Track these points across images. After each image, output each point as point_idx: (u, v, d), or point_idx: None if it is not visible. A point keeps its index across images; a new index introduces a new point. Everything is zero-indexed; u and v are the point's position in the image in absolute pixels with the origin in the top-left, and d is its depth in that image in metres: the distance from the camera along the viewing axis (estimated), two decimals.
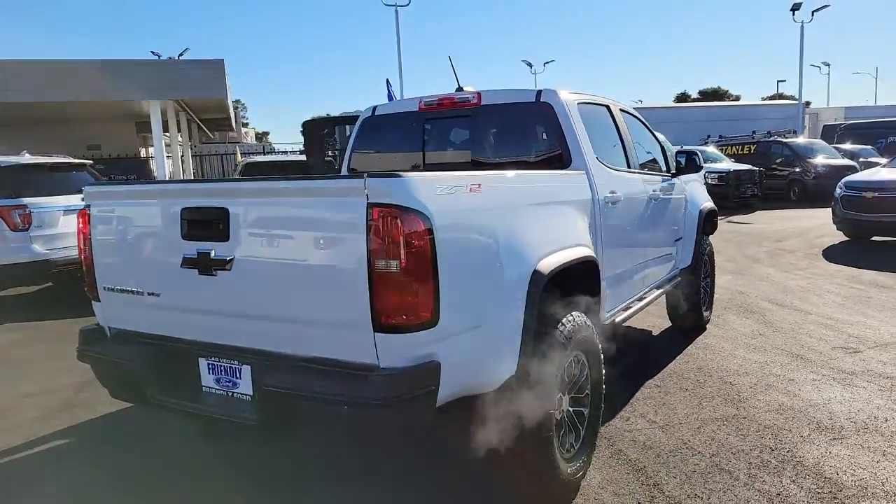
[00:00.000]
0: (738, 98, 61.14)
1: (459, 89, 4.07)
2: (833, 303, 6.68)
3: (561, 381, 2.85)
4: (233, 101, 23.20)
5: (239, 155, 17.47)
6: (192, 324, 2.66)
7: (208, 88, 15.14)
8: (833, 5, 30.17)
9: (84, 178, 8.80)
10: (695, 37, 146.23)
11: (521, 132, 3.96)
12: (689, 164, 5.17)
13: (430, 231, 2.19)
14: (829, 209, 11.10)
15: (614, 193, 3.74)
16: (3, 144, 13.44)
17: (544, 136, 3.78)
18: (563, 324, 2.84)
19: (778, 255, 9.83)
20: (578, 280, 3.15)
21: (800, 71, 31.25)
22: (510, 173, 2.99)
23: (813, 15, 30.38)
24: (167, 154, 19.14)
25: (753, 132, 21.53)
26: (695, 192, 5.58)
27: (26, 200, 7.73)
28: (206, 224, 2.49)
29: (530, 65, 42.21)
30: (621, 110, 4.49)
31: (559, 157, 3.59)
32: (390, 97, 7.31)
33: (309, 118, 5.75)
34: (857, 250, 9.97)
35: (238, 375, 2.57)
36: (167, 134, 17.97)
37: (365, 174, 2.15)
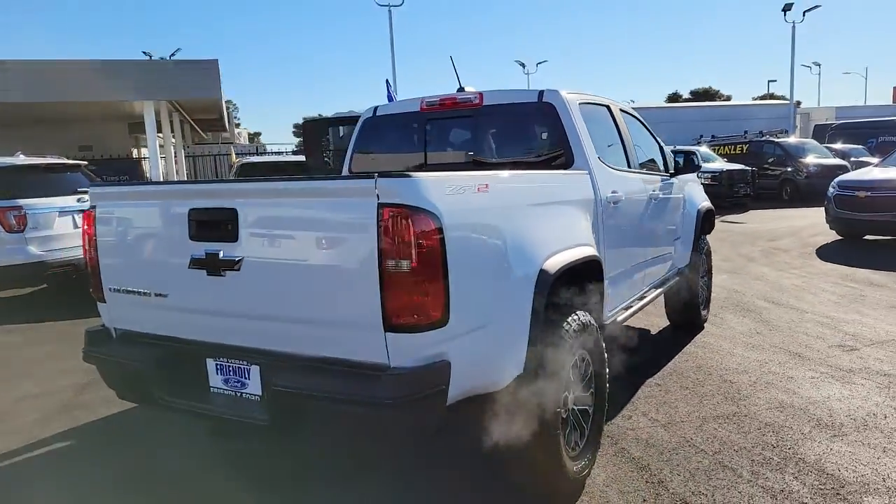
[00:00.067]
0: (729, 98, 61.43)
1: (461, 89, 4.08)
2: (828, 301, 6.73)
3: (567, 379, 2.86)
4: (225, 102, 23.10)
5: (234, 155, 17.40)
6: (200, 324, 2.66)
7: (203, 89, 15.10)
8: (823, 5, 30.37)
9: (79, 179, 8.76)
10: (685, 37, 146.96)
11: (524, 132, 3.97)
12: (687, 163, 5.21)
13: (441, 231, 2.20)
14: (821, 208, 11.18)
15: (616, 193, 3.76)
16: None
17: (547, 137, 3.80)
18: (568, 323, 2.86)
19: (772, 254, 9.89)
20: (582, 280, 3.17)
21: (791, 71, 31.44)
22: (517, 173, 3.01)
23: (804, 15, 30.62)
24: (161, 155, 19.04)
25: (745, 132, 21.66)
26: (693, 191, 5.62)
27: (21, 201, 7.68)
28: (215, 225, 2.49)
29: (523, 65, 42.41)
30: (621, 110, 4.51)
31: (561, 158, 3.61)
32: (390, 98, 7.32)
33: (309, 119, 5.74)
34: (849, 249, 10.05)
35: (247, 376, 2.57)
36: (160, 134, 17.86)
37: (376, 174, 2.16)
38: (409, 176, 2.19)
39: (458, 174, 2.53)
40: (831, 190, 10.68)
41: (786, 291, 7.27)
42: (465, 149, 4.07)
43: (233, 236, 2.45)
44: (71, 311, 7.52)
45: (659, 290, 4.82)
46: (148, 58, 28.09)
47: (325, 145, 6.40)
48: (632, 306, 4.21)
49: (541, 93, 3.70)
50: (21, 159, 8.46)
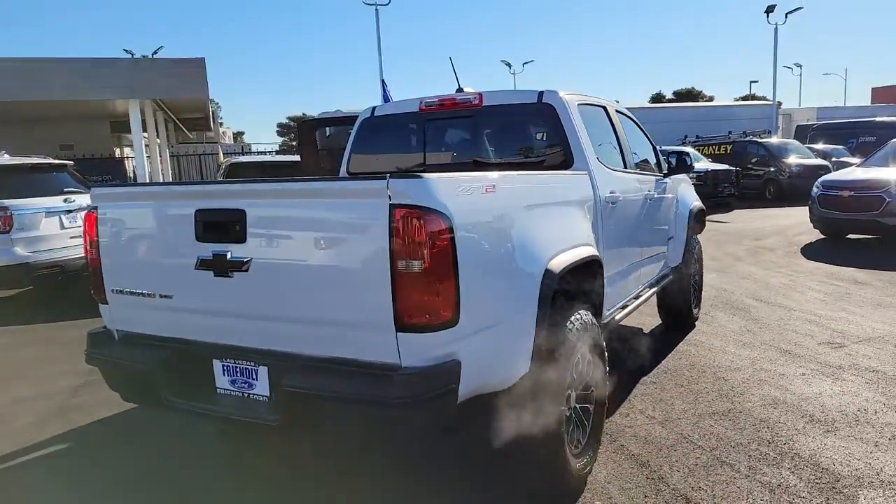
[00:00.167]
0: (711, 98, 62.02)
1: (460, 90, 4.10)
2: (815, 299, 6.85)
3: (570, 378, 2.90)
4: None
5: (221, 155, 17.26)
6: (206, 325, 2.66)
7: (189, 88, 14.96)
8: (804, 7, 30.77)
9: (65, 179, 8.67)
10: (668, 38, 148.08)
11: (523, 133, 4.01)
12: (679, 164, 5.27)
13: (451, 231, 2.22)
14: (804, 207, 11.35)
15: (614, 193, 3.80)
16: None
17: (546, 137, 3.83)
18: (571, 322, 2.89)
19: (758, 253, 10.03)
20: (583, 279, 3.21)
21: (774, 72, 31.87)
22: (522, 174, 3.04)
23: (786, 17, 31.01)
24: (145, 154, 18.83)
25: (729, 132, 21.89)
26: (685, 191, 5.69)
27: (7, 202, 7.58)
28: (223, 226, 2.49)
29: (509, 65, 42.49)
30: (616, 111, 4.56)
31: (561, 158, 3.65)
32: (386, 98, 7.32)
33: (306, 119, 5.72)
34: (833, 248, 10.21)
35: (254, 377, 2.57)
36: (145, 134, 17.70)
37: (388, 175, 2.17)
38: (420, 176, 2.21)
39: (468, 175, 2.55)
40: (815, 190, 10.84)
41: (773, 290, 7.37)
42: (464, 149, 4.10)
43: (241, 237, 2.45)
44: (58, 314, 7.45)
45: (653, 290, 4.88)
46: (130, 56, 27.74)
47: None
48: (628, 305, 4.26)
49: (540, 94, 3.73)
50: (6, 159, 8.35)
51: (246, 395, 2.60)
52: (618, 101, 5.24)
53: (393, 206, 2.16)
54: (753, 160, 19.75)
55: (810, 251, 10.06)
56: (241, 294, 2.50)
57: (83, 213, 8.02)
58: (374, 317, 2.24)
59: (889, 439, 3.50)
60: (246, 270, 2.46)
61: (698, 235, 6.11)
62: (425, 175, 2.23)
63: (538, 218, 2.87)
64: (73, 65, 14.30)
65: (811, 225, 11.13)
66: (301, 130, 5.62)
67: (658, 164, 5.14)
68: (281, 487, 3.25)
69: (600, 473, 3.26)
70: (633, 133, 4.78)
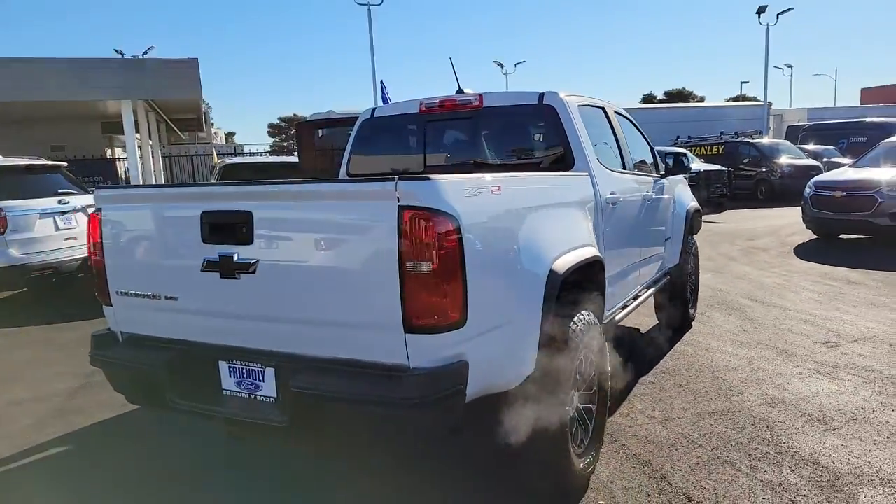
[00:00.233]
0: (702, 99, 62.37)
1: (460, 91, 4.12)
2: (809, 299, 6.90)
3: (574, 378, 2.92)
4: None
5: (215, 156, 17.19)
6: (212, 327, 2.66)
7: (183, 88, 14.90)
8: (795, 8, 30.96)
9: (59, 180, 8.64)
10: (658, 39, 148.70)
11: (524, 134, 4.02)
12: (676, 164, 5.30)
13: (459, 232, 2.24)
14: (796, 208, 11.43)
15: (614, 194, 3.82)
16: None
17: (547, 139, 3.84)
18: (575, 322, 2.91)
19: (752, 254, 10.09)
20: (586, 280, 3.22)
21: (765, 73, 32.08)
22: (526, 175, 3.06)
23: (778, 17, 31.19)
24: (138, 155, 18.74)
25: (721, 133, 22.02)
26: (681, 192, 5.73)
27: (1, 203, 7.55)
28: (229, 227, 2.49)
29: (501, 65, 42.55)
30: (615, 112, 4.59)
31: (562, 159, 3.67)
32: (385, 99, 7.31)
33: (305, 120, 5.72)
34: (826, 248, 10.29)
35: (261, 378, 2.57)
36: (137, 135, 17.59)
37: (396, 177, 2.18)
38: (429, 178, 2.22)
39: (475, 176, 2.56)
40: (808, 190, 10.92)
41: (768, 290, 7.43)
42: (465, 151, 4.10)
43: (248, 239, 2.46)
44: (53, 316, 7.42)
45: (651, 290, 4.91)
46: (120, 56, 27.56)
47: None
48: (627, 306, 4.28)
49: (541, 95, 3.74)
50: (0, 160, 8.30)
51: (252, 396, 2.61)
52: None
53: (401, 208, 2.17)
54: (745, 160, 19.87)
55: (803, 251, 10.14)
56: (247, 296, 2.50)
57: (78, 215, 8.06)
58: (383, 318, 2.24)
59: (887, 438, 3.54)
60: (253, 272, 2.46)
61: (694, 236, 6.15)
62: (434, 176, 2.24)
63: (542, 219, 2.89)
64: (66, 65, 14.21)
65: (804, 225, 11.21)
66: (300, 132, 5.61)
67: (655, 164, 5.17)
68: (283, 488, 3.25)
69: (603, 473, 3.27)
70: (630, 134, 4.81)
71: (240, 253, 2.48)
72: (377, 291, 2.25)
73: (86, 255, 7.94)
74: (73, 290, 8.75)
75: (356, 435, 2.42)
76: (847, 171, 11.31)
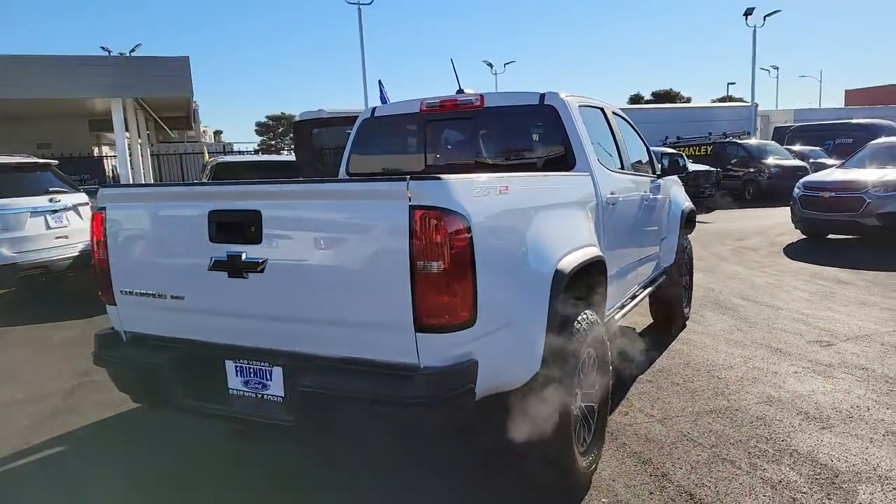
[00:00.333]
0: (688, 100, 62.72)
1: (460, 91, 4.12)
2: (801, 298, 6.97)
3: (578, 377, 2.94)
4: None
5: (206, 155, 17.07)
6: (219, 326, 2.65)
7: (173, 86, 14.78)
8: (781, 11, 31.27)
9: (49, 178, 8.54)
10: (645, 40, 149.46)
11: (525, 134, 4.04)
12: (672, 165, 5.35)
13: (469, 231, 2.25)
14: (783, 208, 11.54)
15: (614, 195, 3.85)
16: None
17: (549, 139, 3.86)
18: (579, 321, 2.93)
19: (742, 253, 10.18)
20: (589, 280, 3.25)
21: (752, 74, 32.36)
22: (532, 176, 3.07)
23: (765, 19, 31.47)
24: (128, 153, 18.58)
25: (710, 134, 22.19)
26: (676, 192, 5.77)
27: None
28: (238, 227, 2.49)
29: (491, 65, 42.65)
30: (613, 112, 4.61)
31: (563, 160, 3.68)
32: (383, 99, 7.29)
33: (302, 119, 5.70)
34: (815, 248, 10.41)
35: (268, 377, 2.57)
36: (126, 133, 17.44)
37: (408, 176, 2.19)
38: (440, 178, 2.23)
39: (484, 176, 2.57)
40: (797, 191, 11.03)
41: (760, 289, 7.50)
42: (465, 151, 4.12)
43: (256, 238, 2.45)
44: (43, 315, 7.35)
45: (647, 290, 4.95)
46: (107, 54, 27.29)
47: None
48: (625, 306, 4.32)
49: (542, 95, 3.76)
50: None
51: (259, 395, 2.60)
52: None
53: (413, 207, 2.18)
54: (733, 161, 20.05)
55: (793, 251, 10.24)
56: (255, 295, 2.50)
57: (69, 214, 7.99)
58: (393, 317, 2.25)
59: (883, 435, 3.59)
60: (261, 271, 2.45)
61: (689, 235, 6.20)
62: (444, 176, 2.25)
63: (547, 219, 2.90)
64: (56, 62, 14.05)
65: (792, 225, 11.33)
66: (298, 131, 5.60)
67: (651, 164, 5.21)
68: (283, 489, 3.25)
69: (604, 471, 3.30)
70: (627, 134, 4.84)
71: (248, 252, 2.47)
72: (387, 291, 2.25)
73: (77, 254, 7.96)
74: (63, 289, 8.67)
75: (365, 434, 2.43)
76: (835, 172, 11.44)
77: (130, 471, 3.50)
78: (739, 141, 20.76)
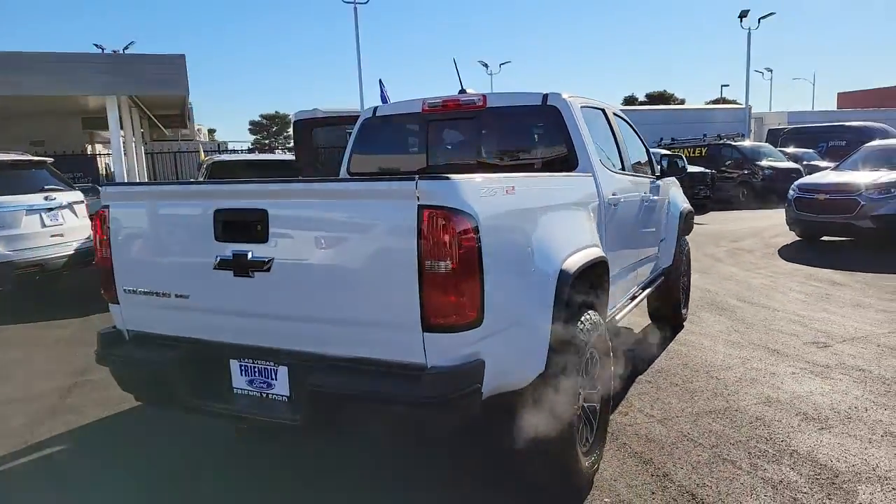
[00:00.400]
0: (682, 101, 62.88)
1: (462, 91, 4.13)
2: (797, 300, 7.01)
3: (581, 377, 2.94)
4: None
5: (203, 153, 17.01)
6: (224, 325, 2.65)
7: (169, 84, 14.68)
8: (775, 13, 31.39)
9: (45, 176, 8.50)
10: (639, 42, 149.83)
11: (527, 135, 4.05)
12: (671, 166, 5.36)
13: (477, 231, 2.25)
14: (777, 209, 11.59)
15: (615, 195, 3.86)
16: None
17: (551, 139, 3.87)
18: (582, 322, 2.94)
19: (737, 255, 10.23)
20: (592, 280, 3.26)
21: (746, 76, 32.44)
22: (537, 176, 3.08)
23: (759, 22, 31.60)
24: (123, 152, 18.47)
25: (704, 135, 22.26)
26: (675, 193, 5.79)
27: None
28: (244, 226, 2.48)
29: (486, 65, 42.64)
30: (613, 113, 4.63)
31: (566, 160, 3.69)
32: (384, 99, 7.28)
33: (301, 119, 5.69)
34: (809, 249, 10.47)
35: (273, 376, 2.57)
36: (121, 131, 17.36)
37: (416, 176, 2.19)
38: (448, 178, 2.23)
39: (491, 176, 2.58)
40: (792, 193, 11.09)
41: (755, 290, 7.54)
42: (467, 151, 4.12)
43: (262, 237, 2.45)
44: (38, 314, 7.31)
45: (646, 291, 4.96)
46: (101, 51, 27.14)
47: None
48: (626, 306, 4.33)
49: (545, 96, 3.77)
50: None
51: (264, 394, 2.60)
52: None
53: (421, 207, 2.18)
54: (728, 163, 20.11)
55: (787, 253, 10.29)
56: (261, 294, 2.49)
57: (64, 212, 7.95)
58: (401, 317, 2.25)
59: (881, 436, 3.61)
60: (267, 270, 2.45)
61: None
62: (453, 176, 2.25)
63: (552, 219, 2.91)
64: (50, 59, 13.94)
65: (786, 227, 11.39)
66: (298, 130, 5.59)
67: (651, 165, 5.22)
68: (283, 489, 3.24)
69: (606, 472, 3.31)
70: (628, 135, 4.86)
71: (254, 251, 2.47)
72: (395, 290, 2.26)
73: (72, 252, 7.91)
74: (58, 287, 8.62)
75: (371, 434, 2.43)
76: (829, 175, 11.51)
77: (130, 470, 3.49)
78: (734, 143, 20.83)
